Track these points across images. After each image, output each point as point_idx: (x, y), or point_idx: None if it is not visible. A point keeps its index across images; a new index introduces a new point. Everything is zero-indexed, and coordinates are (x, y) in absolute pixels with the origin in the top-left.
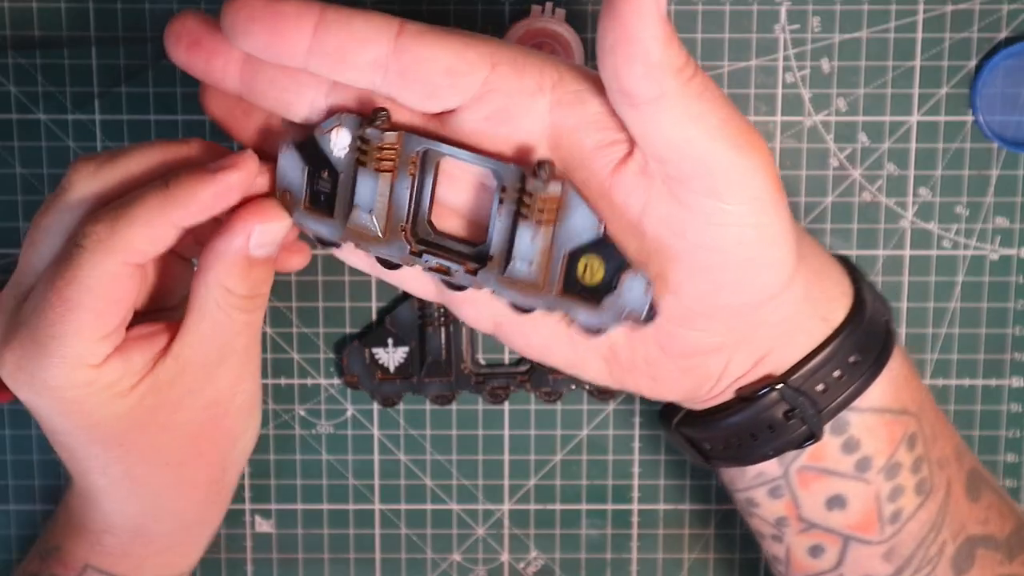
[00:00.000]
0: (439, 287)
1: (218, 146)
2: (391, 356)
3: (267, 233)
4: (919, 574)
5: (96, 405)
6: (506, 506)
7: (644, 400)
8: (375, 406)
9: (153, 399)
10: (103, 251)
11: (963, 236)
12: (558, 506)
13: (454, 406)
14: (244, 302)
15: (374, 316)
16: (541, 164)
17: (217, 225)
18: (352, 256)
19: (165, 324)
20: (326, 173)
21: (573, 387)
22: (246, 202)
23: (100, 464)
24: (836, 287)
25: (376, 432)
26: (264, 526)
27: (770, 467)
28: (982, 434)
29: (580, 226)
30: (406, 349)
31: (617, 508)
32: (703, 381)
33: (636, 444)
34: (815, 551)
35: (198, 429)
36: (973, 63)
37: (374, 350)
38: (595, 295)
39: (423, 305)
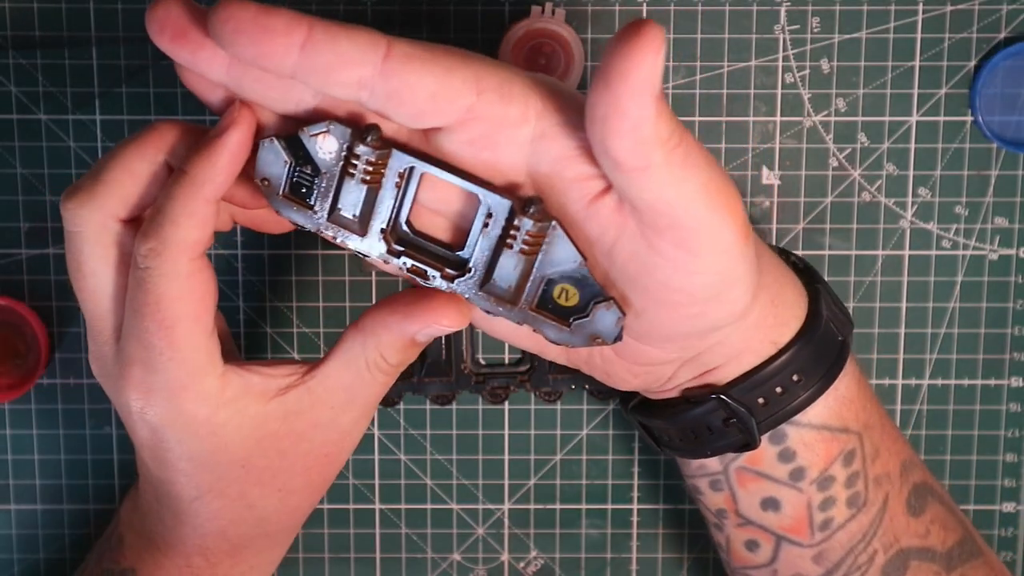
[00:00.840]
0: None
1: (179, 123)
2: None
3: (441, 330)
4: None
5: (225, 421)
6: (506, 506)
7: None
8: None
9: (279, 425)
10: (168, 260)
11: (962, 236)
12: (558, 506)
13: (454, 406)
14: (391, 368)
15: None
16: (531, 201)
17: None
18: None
19: (295, 363)
20: (308, 168)
21: (573, 387)
22: (437, 296)
23: (218, 486)
24: (789, 311)
25: (376, 432)
26: None
27: (711, 462)
28: (981, 434)
29: (561, 258)
30: None
31: (617, 508)
32: (652, 382)
33: (636, 444)
34: (751, 545)
35: (314, 462)
36: (972, 63)
37: None
38: (565, 315)
39: None
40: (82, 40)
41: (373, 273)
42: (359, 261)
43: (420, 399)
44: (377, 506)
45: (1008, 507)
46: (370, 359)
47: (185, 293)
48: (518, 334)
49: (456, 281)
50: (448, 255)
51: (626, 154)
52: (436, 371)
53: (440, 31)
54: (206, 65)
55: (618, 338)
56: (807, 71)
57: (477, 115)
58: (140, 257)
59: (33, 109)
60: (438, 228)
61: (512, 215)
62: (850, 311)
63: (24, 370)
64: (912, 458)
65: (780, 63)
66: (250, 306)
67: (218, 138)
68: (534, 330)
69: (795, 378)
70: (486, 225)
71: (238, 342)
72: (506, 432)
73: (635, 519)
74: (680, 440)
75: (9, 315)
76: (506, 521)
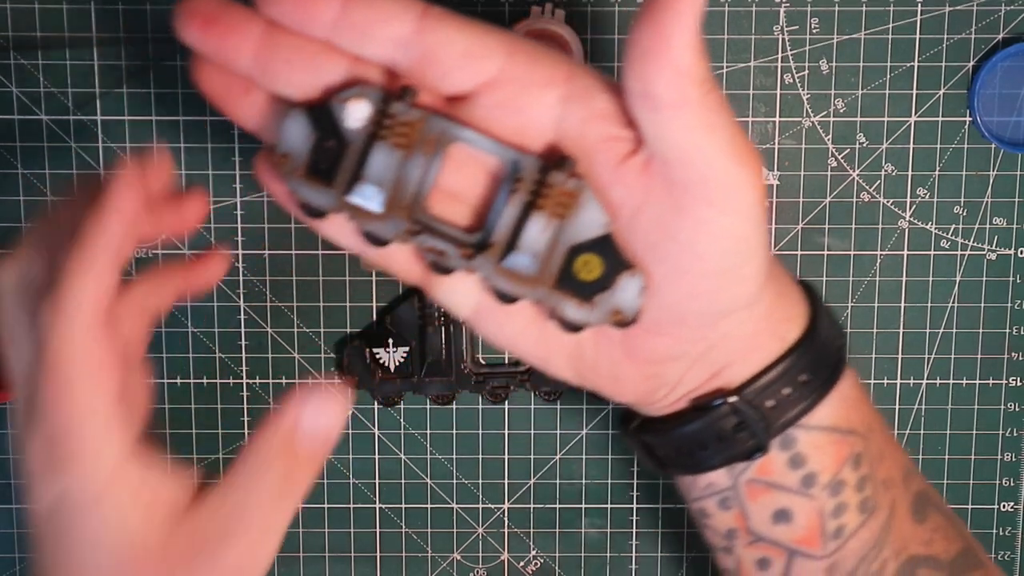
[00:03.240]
0: (423, 268)
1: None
2: (391, 356)
3: (320, 417)
4: None
5: (112, 509)
6: (506, 505)
7: None
8: (375, 405)
9: (177, 535)
10: (64, 318)
11: (961, 236)
12: (558, 505)
13: (454, 405)
14: (289, 489)
15: (374, 316)
16: (565, 159)
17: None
18: (334, 230)
19: (193, 476)
20: (332, 142)
21: (573, 387)
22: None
23: None
24: (794, 308)
25: (376, 431)
26: None
27: (720, 478)
28: (979, 433)
29: (589, 222)
30: (406, 349)
31: (617, 507)
32: (660, 387)
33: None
34: (763, 564)
35: None
36: (971, 64)
37: (374, 350)
38: (587, 291)
39: (423, 305)
40: (83, 41)
41: (373, 273)
42: (359, 261)
43: (420, 399)
44: (377, 505)
45: (1006, 506)
46: (270, 480)
47: (81, 352)
48: (524, 339)
49: (476, 258)
50: (466, 238)
51: (665, 88)
52: (436, 371)
53: None
54: (234, 51)
55: (637, 315)
56: (806, 72)
57: (507, 77)
58: (40, 314)
59: (34, 109)
60: (456, 214)
61: (543, 174)
62: (849, 311)
63: None
64: (911, 466)
65: (779, 64)
66: (250, 306)
67: (107, 201)
68: (551, 315)
69: (802, 378)
70: (514, 191)
71: (238, 342)
72: (506, 432)
73: (635, 519)
74: (687, 455)
75: None
76: (506, 520)
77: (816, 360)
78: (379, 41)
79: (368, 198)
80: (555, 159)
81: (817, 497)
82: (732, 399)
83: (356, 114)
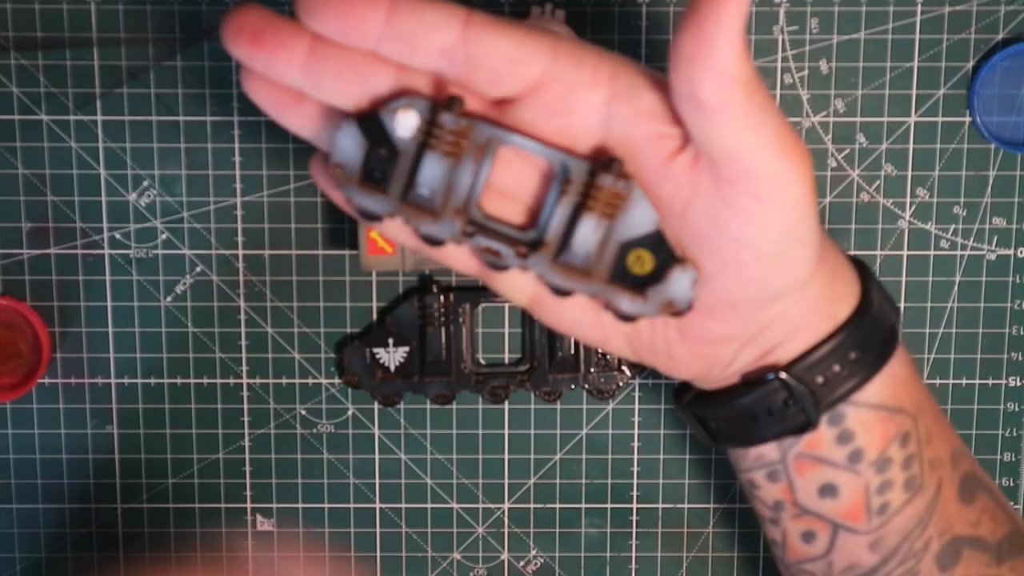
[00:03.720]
0: (480, 264)
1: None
2: (391, 356)
3: None
4: (903, 566)
5: None
6: (506, 505)
7: (643, 400)
8: (376, 405)
9: None
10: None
11: (961, 236)
12: (558, 505)
13: (454, 406)
14: None
15: (374, 316)
16: (612, 160)
17: None
18: (393, 230)
19: None
20: (384, 150)
21: (573, 387)
22: None
23: None
24: (846, 287)
25: (377, 431)
26: (265, 525)
27: (769, 451)
28: (979, 433)
29: (639, 220)
30: (406, 349)
31: (616, 507)
32: (714, 365)
33: (635, 443)
34: (808, 537)
35: None
36: (971, 64)
37: (375, 350)
38: (640, 285)
39: (423, 305)
40: (83, 41)
41: (373, 273)
42: (359, 261)
43: (420, 399)
44: (377, 505)
45: None
46: None
47: None
48: (583, 323)
49: (530, 257)
50: (519, 236)
51: (711, 92)
52: (436, 371)
53: None
54: (284, 65)
55: (690, 306)
56: (806, 72)
57: (552, 79)
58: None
59: (35, 110)
60: (508, 212)
61: (592, 176)
62: None
63: (26, 370)
64: (961, 447)
65: (779, 64)
66: (250, 306)
67: None
68: (606, 306)
69: (852, 356)
70: (564, 192)
71: (238, 342)
72: (506, 432)
73: (635, 518)
74: (738, 428)
75: (10, 315)
76: (506, 520)
77: (867, 338)
78: (425, 51)
79: (422, 203)
80: (602, 161)
81: (863, 473)
82: (782, 375)
83: (405, 123)
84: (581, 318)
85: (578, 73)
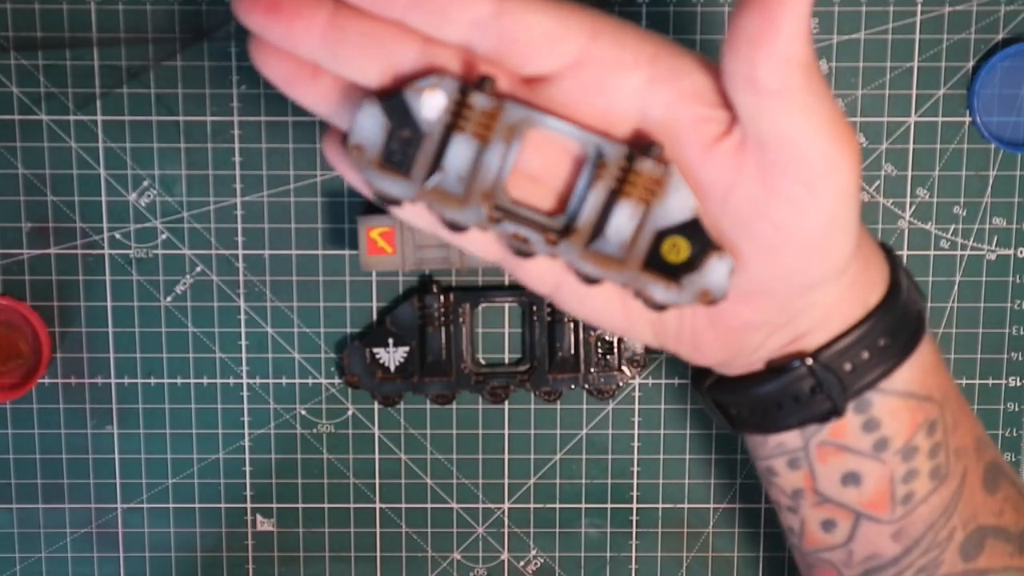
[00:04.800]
0: (503, 250)
1: None
2: (391, 356)
3: None
4: (926, 556)
5: None
6: (506, 505)
7: (643, 400)
8: (376, 405)
9: None
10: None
11: (961, 236)
12: (558, 505)
13: (454, 406)
14: None
15: (374, 316)
16: (652, 144)
17: None
18: (413, 215)
19: None
20: (407, 132)
21: (573, 387)
22: None
23: None
24: (877, 272)
25: (377, 431)
26: (265, 525)
27: (791, 438)
28: None
29: (676, 206)
30: (406, 349)
31: (616, 507)
32: (740, 352)
33: (635, 444)
34: (827, 525)
35: None
36: (971, 64)
37: (375, 350)
38: (675, 273)
39: (423, 305)
40: (83, 41)
41: (373, 273)
42: (359, 261)
43: (420, 399)
44: (377, 505)
45: None
46: None
47: None
48: (607, 312)
49: (560, 244)
50: (548, 222)
51: (771, 75)
52: (436, 371)
53: None
54: (302, 35)
55: (726, 295)
56: None
57: (590, 59)
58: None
59: (34, 110)
60: (536, 197)
61: (629, 161)
62: None
63: (25, 370)
64: (985, 436)
65: None
66: (250, 306)
67: None
68: (636, 295)
69: (881, 342)
70: (599, 177)
71: (238, 342)
72: (506, 432)
73: (635, 518)
74: (761, 415)
75: (10, 315)
76: (506, 520)
77: (896, 324)
78: (457, 22)
79: (447, 187)
80: (641, 145)
81: (889, 462)
82: (809, 361)
83: (432, 104)
84: (606, 307)
85: (619, 53)
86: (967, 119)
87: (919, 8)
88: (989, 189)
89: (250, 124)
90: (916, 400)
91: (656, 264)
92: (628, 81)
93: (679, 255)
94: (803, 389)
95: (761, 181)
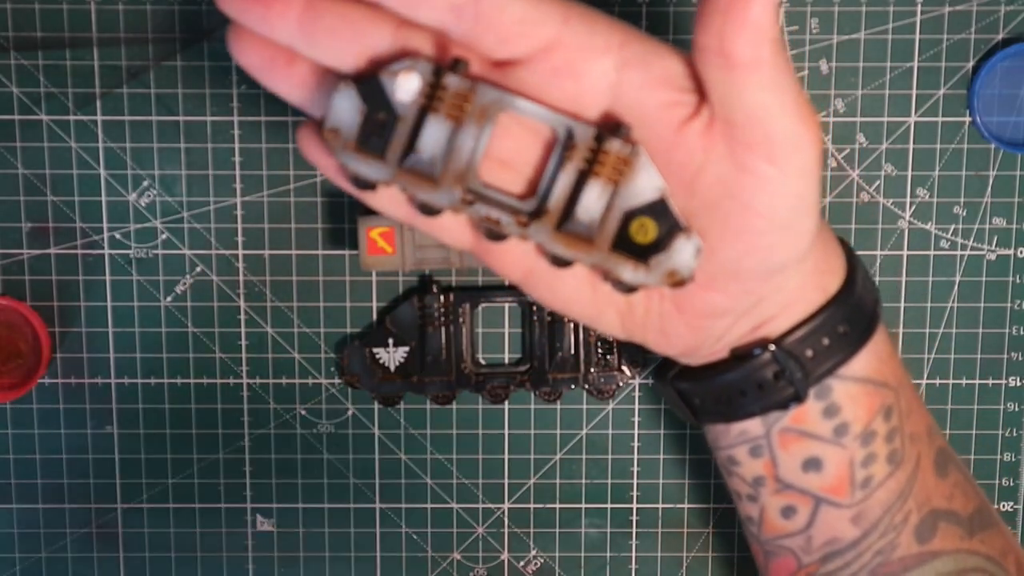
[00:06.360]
0: (475, 236)
1: None
2: (391, 356)
3: None
4: (883, 539)
5: None
6: (506, 505)
7: (643, 400)
8: (376, 405)
9: None
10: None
11: (961, 236)
12: (558, 505)
13: (454, 406)
14: None
15: (374, 316)
16: (620, 125)
17: None
18: (385, 201)
19: None
20: (382, 115)
21: (573, 387)
22: None
23: None
24: (836, 259)
25: (377, 431)
26: (265, 525)
27: (754, 426)
28: (979, 433)
29: (644, 187)
30: (406, 349)
31: (616, 507)
32: (706, 340)
33: (635, 444)
34: (787, 512)
35: None
36: (971, 64)
37: (375, 350)
38: (643, 254)
39: (423, 305)
40: (83, 41)
41: (373, 273)
42: (359, 261)
43: (420, 398)
44: (377, 505)
45: (1006, 506)
46: None
47: None
48: (577, 299)
49: (531, 226)
50: (519, 205)
51: (743, 47)
52: (436, 371)
53: None
54: (278, 20)
55: (693, 275)
56: (806, 72)
57: (562, 43)
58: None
59: (34, 110)
60: (507, 182)
61: (598, 141)
62: None
63: (25, 370)
64: (934, 424)
65: None
66: (250, 306)
67: None
68: (605, 277)
69: (841, 329)
70: (568, 158)
71: (238, 342)
72: (506, 432)
73: (635, 518)
74: (725, 404)
75: (10, 315)
76: (506, 520)
77: (854, 311)
78: (432, 5)
79: (422, 169)
80: (610, 126)
81: (848, 447)
82: (772, 348)
83: (406, 86)
84: (576, 293)
85: (590, 38)
86: (967, 119)
87: (919, 8)
88: (989, 189)
89: (250, 124)
90: (874, 386)
91: (625, 245)
92: (599, 66)
93: (647, 235)
94: (766, 376)
95: (730, 161)
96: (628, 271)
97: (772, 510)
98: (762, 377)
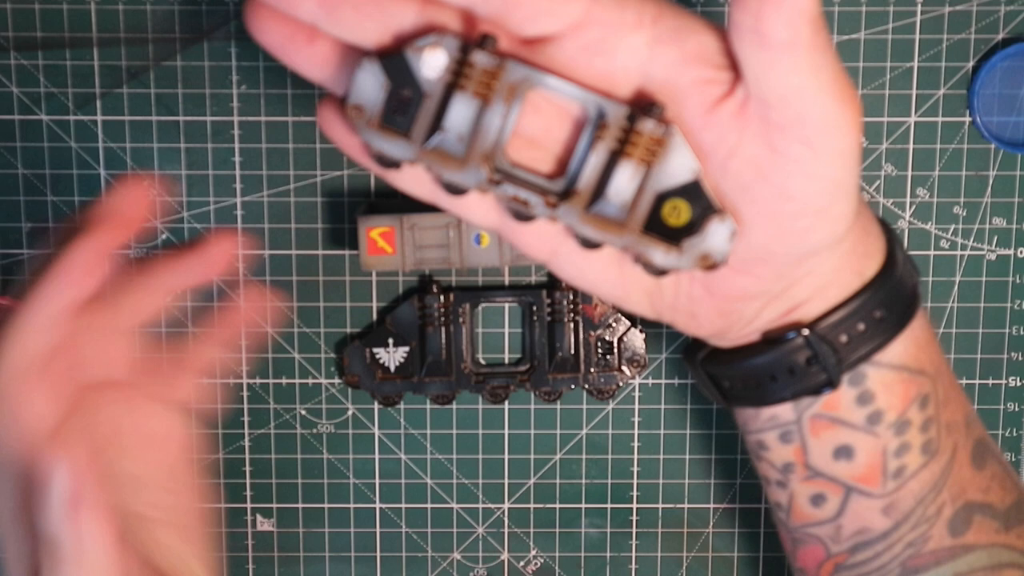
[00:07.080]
0: (501, 216)
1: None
2: (391, 356)
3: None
4: (915, 531)
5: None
6: (506, 505)
7: (643, 400)
8: (376, 405)
9: None
10: None
11: (961, 236)
12: (558, 505)
13: (454, 406)
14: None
15: (374, 316)
16: (654, 104)
17: None
18: (409, 180)
19: None
20: (407, 91)
21: (572, 387)
22: None
23: None
24: (875, 243)
25: (377, 431)
26: (265, 525)
27: (784, 411)
28: None
29: (678, 168)
30: (406, 349)
31: (616, 507)
32: (736, 322)
33: (635, 444)
34: (817, 500)
35: None
36: (971, 64)
37: (375, 350)
38: (675, 237)
39: (423, 305)
40: (83, 41)
41: (373, 273)
42: (359, 261)
43: (420, 399)
44: (377, 505)
45: None
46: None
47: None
48: (604, 279)
49: (560, 207)
50: (548, 185)
51: (780, 27)
52: (436, 371)
53: None
54: None
55: (726, 259)
56: None
57: (592, 19)
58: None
59: (35, 110)
60: (536, 161)
61: (631, 121)
62: None
63: None
64: (973, 413)
65: None
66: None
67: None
68: (636, 259)
69: (878, 314)
70: (599, 138)
71: (238, 342)
72: (506, 432)
73: (635, 518)
74: (755, 388)
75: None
76: (506, 520)
77: (892, 296)
78: None
79: (448, 147)
80: (643, 105)
81: (881, 435)
82: (805, 332)
83: (432, 63)
84: (603, 273)
85: (621, 13)
86: (967, 119)
87: (919, 8)
88: (989, 189)
89: (250, 124)
90: (910, 373)
91: (656, 227)
92: (630, 42)
93: (680, 218)
94: (798, 361)
95: (763, 142)
96: (660, 254)
97: (801, 497)
98: (794, 362)
